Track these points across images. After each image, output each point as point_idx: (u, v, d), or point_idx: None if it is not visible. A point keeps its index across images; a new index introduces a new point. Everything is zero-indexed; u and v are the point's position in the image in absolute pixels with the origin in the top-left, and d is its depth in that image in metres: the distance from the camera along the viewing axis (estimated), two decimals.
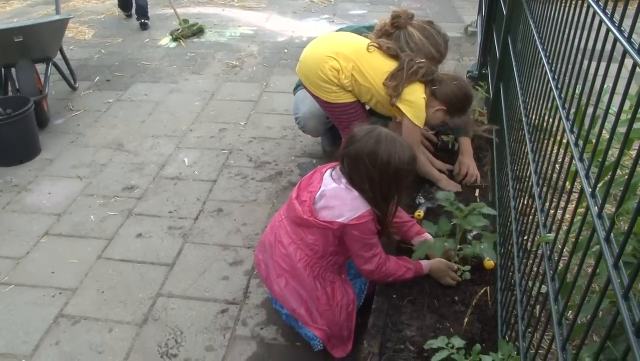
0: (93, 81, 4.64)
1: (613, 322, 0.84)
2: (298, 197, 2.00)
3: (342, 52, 2.60)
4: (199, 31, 5.78)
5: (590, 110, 1.13)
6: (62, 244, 2.72)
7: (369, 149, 1.86)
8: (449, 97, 2.54)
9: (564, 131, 1.28)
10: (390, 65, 2.57)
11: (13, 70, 3.74)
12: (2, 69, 3.82)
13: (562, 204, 1.28)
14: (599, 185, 1.01)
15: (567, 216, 1.26)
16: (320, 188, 1.96)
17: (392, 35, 2.67)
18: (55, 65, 4.15)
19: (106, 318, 2.28)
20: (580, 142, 1.16)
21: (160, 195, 3.07)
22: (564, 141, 1.29)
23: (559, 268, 1.24)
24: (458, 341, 1.43)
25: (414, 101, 2.51)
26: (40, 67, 3.95)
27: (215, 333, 2.19)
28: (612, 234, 0.89)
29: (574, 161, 1.14)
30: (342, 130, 2.83)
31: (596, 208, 0.96)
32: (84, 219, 2.89)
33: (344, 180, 1.94)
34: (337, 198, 1.91)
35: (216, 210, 2.93)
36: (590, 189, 1.01)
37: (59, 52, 4.19)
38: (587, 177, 1.05)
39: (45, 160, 3.47)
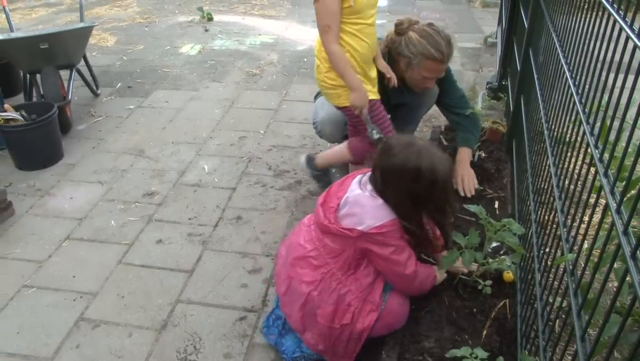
0: (115, 88, 4.70)
1: None
2: (325, 203, 1.95)
3: (315, 48, 2.62)
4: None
5: (615, 124, 1.12)
6: (83, 248, 2.76)
7: (411, 165, 1.77)
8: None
9: (587, 145, 1.28)
10: None
11: (38, 76, 3.81)
12: (28, 75, 3.89)
13: (585, 218, 1.28)
14: (625, 201, 1.01)
15: (590, 231, 1.25)
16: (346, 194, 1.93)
17: (396, 42, 2.69)
18: (79, 71, 4.22)
19: (126, 322, 2.31)
20: (605, 158, 1.16)
21: (180, 202, 3.10)
22: (588, 155, 1.29)
23: (582, 282, 1.24)
24: (481, 353, 1.43)
25: None
26: (63, 74, 4.01)
27: (234, 340, 2.20)
28: (638, 251, 0.89)
29: (598, 177, 1.13)
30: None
31: (621, 224, 0.96)
32: (104, 224, 2.93)
33: (369, 187, 1.89)
34: (359, 205, 1.86)
35: (235, 218, 2.95)
36: (615, 205, 1.01)
37: (82, 59, 4.25)
38: (612, 193, 1.05)
39: (67, 165, 3.52)
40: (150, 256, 2.68)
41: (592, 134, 1.28)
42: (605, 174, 1.11)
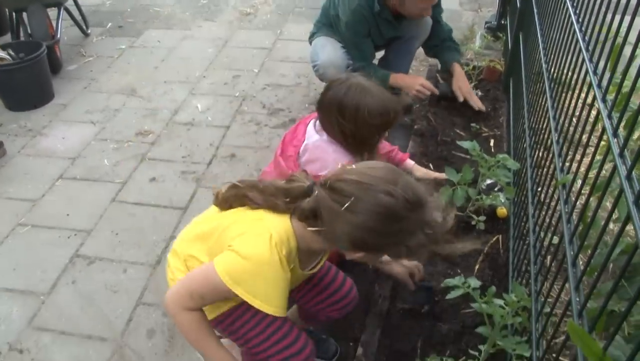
0: (105, 27, 4.59)
1: (630, 259, 0.84)
2: (283, 153, 1.94)
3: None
4: None
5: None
6: (76, 187, 2.75)
7: (338, 100, 1.78)
8: None
9: (586, 73, 1.25)
10: None
11: (25, 15, 3.70)
12: (14, 14, 3.78)
13: (577, 156, 1.27)
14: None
15: (582, 169, 1.25)
16: (304, 141, 1.91)
17: None
18: (67, 10, 4.10)
19: (120, 259, 2.32)
20: (604, 84, 1.14)
21: (173, 140, 3.08)
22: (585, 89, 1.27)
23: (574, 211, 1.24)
24: (474, 282, 1.44)
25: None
26: (52, 13, 3.90)
27: None
28: (633, 173, 0.88)
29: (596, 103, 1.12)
30: None
31: (618, 147, 0.95)
32: (98, 163, 2.91)
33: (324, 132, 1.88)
34: (320, 150, 1.85)
35: (229, 155, 2.93)
36: (612, 129, 1.00)
37: None
38: (610, 117, 1.04)
39: (59, 105, 3.47)
40: (144, 194, 2.67)
41: (590, 60, 1.25)
42: (603, 100, 1.10)
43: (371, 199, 1.16)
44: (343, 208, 1.16)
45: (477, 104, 2.92)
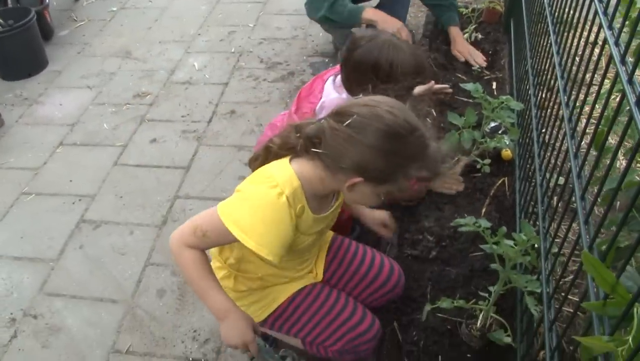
0: None
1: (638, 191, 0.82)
2: (298, 109, 1.87)
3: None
4: None
5: None
6: (77, 153, 2.74)
7: (371, 58, 1.68)
8: None
9: (591, 3, 1.21)
10: None
11: None
12: None
13: (581, 96, 1.24)
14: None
15: (586, 108, 1.22)
16: (321, 98, 1.83)
17: None
18: None
19: (126, 221, 2.32)
20: (610, 11, 1.10)
21: (172, 100, 3.04)
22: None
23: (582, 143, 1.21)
24: (485, 222, 1.43)
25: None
26: None
27: None
28: None
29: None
30: None
31: (626, 74, 0.92)
32: (97, 128, 2.89)
33: (344, 90, 1.80)
34: None
35: (229, 112, 2.90)
36: (620, 57, 0.96)
37: None
38: (617, 44, 1.00)
39: (53, 72, 3.42)
40: (145, 156, 2.66)
41: None
42: (610, 27, 1.06)
43: (374, 117, 1.19)
44: (345, 125, 1.19)
45: (478, 61, 2.85)
